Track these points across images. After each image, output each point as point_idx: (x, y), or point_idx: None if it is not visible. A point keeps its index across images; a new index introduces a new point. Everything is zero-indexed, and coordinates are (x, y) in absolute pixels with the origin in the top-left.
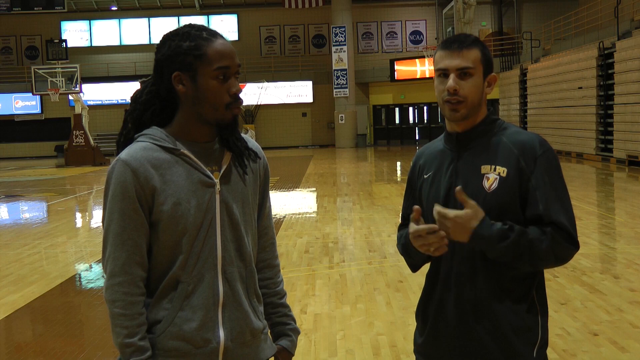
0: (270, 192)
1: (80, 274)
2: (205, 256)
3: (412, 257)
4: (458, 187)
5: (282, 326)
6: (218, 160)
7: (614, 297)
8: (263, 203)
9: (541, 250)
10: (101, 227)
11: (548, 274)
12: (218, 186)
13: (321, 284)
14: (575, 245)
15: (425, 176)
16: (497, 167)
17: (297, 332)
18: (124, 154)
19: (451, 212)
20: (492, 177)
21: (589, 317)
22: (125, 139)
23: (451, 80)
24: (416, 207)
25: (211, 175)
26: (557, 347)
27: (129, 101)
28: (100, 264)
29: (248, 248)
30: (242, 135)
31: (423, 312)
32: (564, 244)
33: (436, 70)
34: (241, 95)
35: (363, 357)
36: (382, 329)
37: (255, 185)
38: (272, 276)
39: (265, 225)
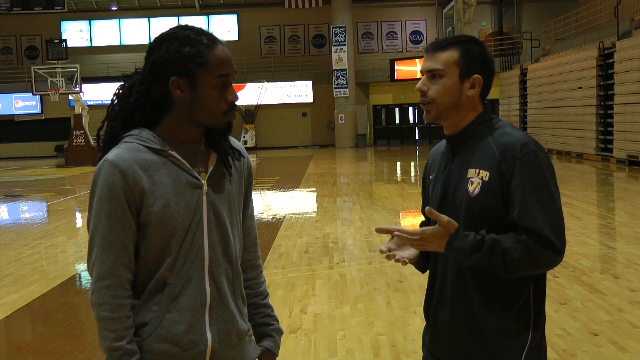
0: (270, 192)
1: (80, 274)
2: (192, 258)
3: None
4: (427, 207)
5: (265, 327)
6: (204, 161)
7: (614, 297)
8: (247, 203)
9: (514, 260)
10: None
11: (548, 273)
12: (205, 187)
13: (321, 284)
14: (555, 251)
15: (430, 177)
16: (481, 171)
17: (280, 332)
18: (111, 154)
19: (425, 231)
20: (475, 181)
21: (589, 317)
22: (111, 138)
23: (420, 82)
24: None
25: (198, 176)
26: (557, 347)
27: (114, 98)
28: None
29: (234, 249)
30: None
31: (426, 312)
32: (541, 251)
33: None
34: (240, 96)
35: (363, 357)
36: (382, 329)
37: (240, 185)
38: (255, 277)
39: (248, 225)
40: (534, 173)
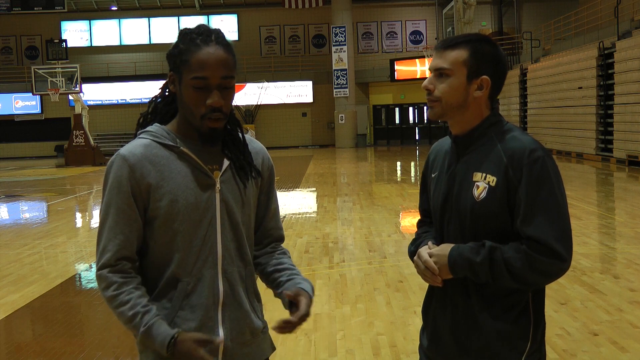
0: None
1: (80, 274)
2: (205, 255)
3: None
4: (429, 242)
5: (295, 277)
6: (219, 159)
7: (614, 297)
8: (268, 204)
9: (518, 268)
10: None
11: None
12: (218, 185)
13: (321, 284)
14: (559, 259)
15: (433, 175)
16: (488, 176)
17: (311, 283)
18: (124, 149)
19: (428, 256)
20: (481, 185)
21: (589, 317)
22: (144, 120)
23: (426, 80)
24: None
25: (211, 174)
26: (557, 347)
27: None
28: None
29: (248, 248)
30: (247, 135)
31: (425, 314)
32: (542, 259)
33: None
34: (240, 96)
35: (363, 357)
36: (382, 329)
37: (255, 186)
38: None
39: (270, 226)
40: (541, 180)
